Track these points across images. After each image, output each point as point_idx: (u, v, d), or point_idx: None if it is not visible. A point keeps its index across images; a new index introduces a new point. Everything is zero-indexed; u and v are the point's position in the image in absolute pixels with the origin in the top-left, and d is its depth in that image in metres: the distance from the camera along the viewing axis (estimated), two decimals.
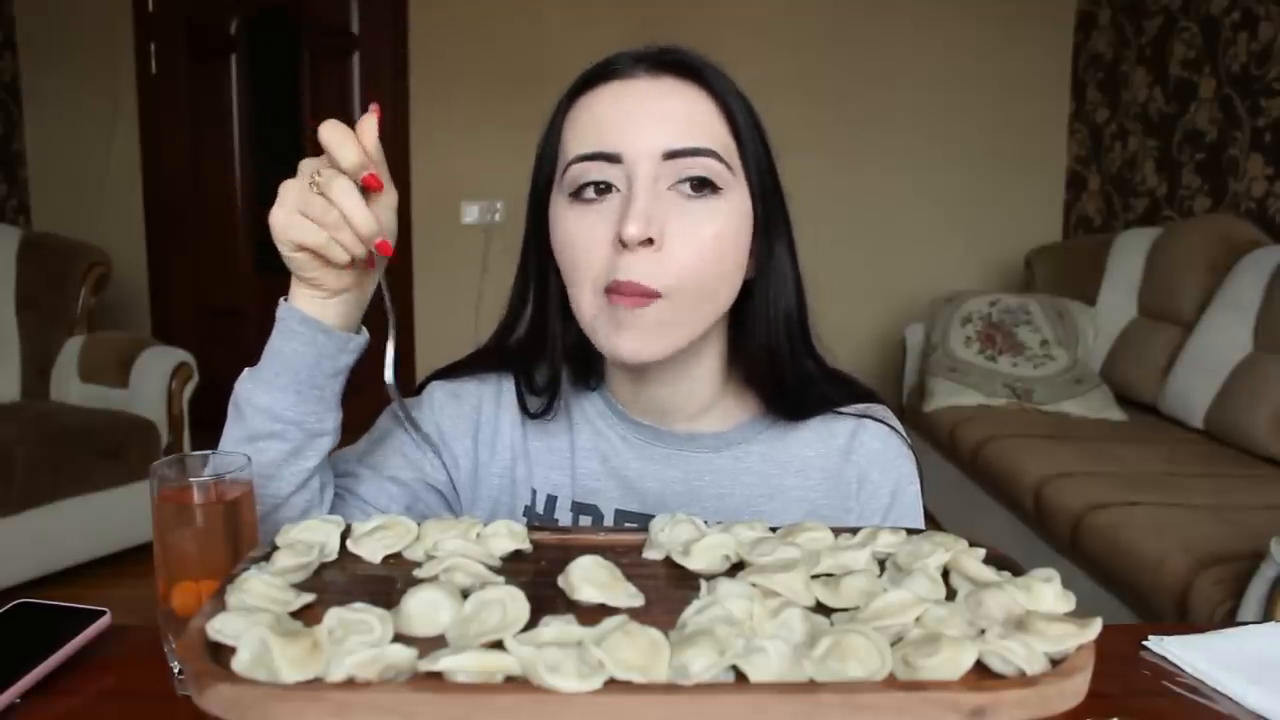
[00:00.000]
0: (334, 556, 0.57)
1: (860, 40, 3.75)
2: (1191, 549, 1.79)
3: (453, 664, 0.41)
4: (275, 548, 0.56)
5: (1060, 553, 2.20)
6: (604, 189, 0.70)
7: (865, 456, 0.81)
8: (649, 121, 0.70)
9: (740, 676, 0.42)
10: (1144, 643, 0.71)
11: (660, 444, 0.81)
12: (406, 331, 3.70)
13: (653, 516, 0.64)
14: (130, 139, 3.88)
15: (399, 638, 0.45)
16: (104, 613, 0.69)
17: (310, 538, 0.57)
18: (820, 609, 0.50)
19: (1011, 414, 2.85)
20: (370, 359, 0.74)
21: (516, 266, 0.80)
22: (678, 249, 0.69)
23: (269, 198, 0.65)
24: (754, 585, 0.50)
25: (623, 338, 0.70)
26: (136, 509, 2.66)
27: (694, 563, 0.55)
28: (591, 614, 0.47)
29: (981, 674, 0.42)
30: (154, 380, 2.80)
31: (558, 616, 0.45)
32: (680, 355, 0.74)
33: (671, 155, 0.69)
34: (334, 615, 0.45)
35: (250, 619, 0.44)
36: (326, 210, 0.63)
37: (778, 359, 0.77)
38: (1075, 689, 0.42)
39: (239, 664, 0.41)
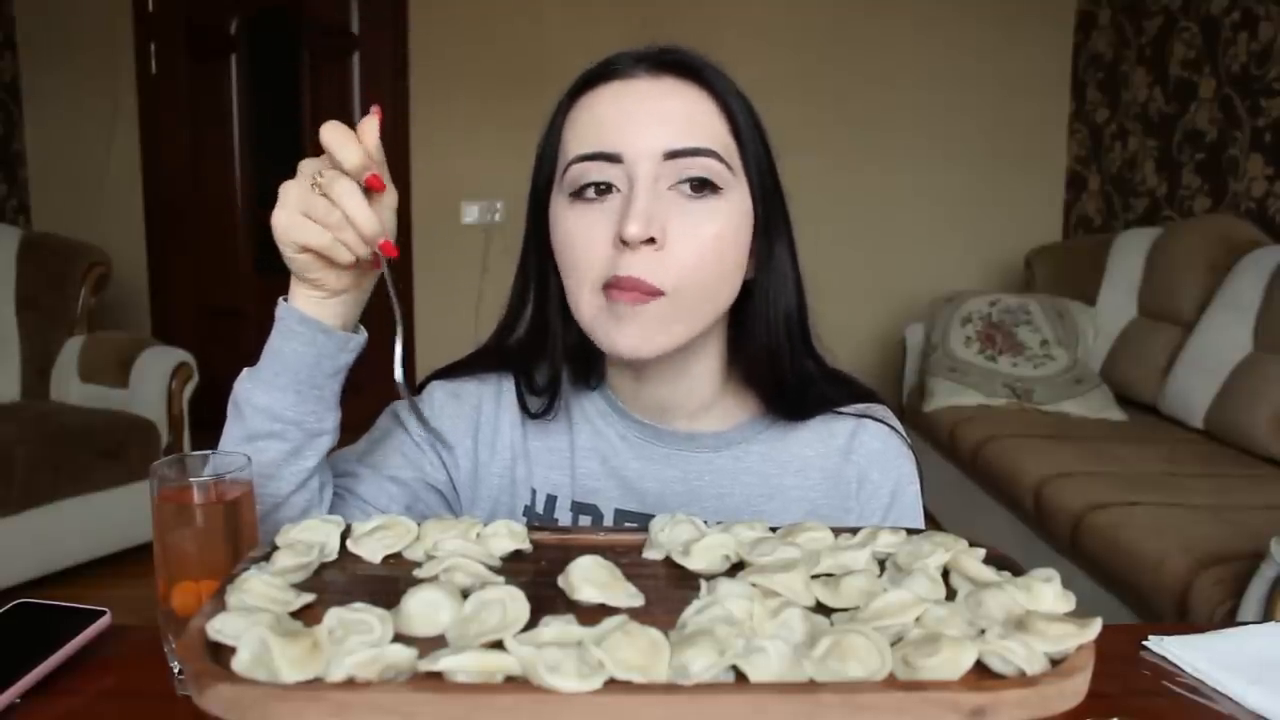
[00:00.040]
0: (334, 556, 0.57)
1: (860, 40, 3.75)
2: (1191, 549, 1.79)
3: (453, 664, 0.41)
4: (275, 548, 0.56)
5: (1060, 553, 2.20)
6: (604, 189, 0.70)
7: (865, 456, 0.81)
8: (649, 122, 0.70)
9: (740, 676, 0.42)
10: (1144, 643, 0.71)
11: (660, 444, 0.81)
12: (407, 331, 3.69)
13: (652, 516, 0.64)
14: (130, 139, 3.88)
15: (399, 638, 0.45)
16: (104, 613, 0.69)
17: (310, 538, 0.57)
18: (820, 609, 0.50)
19: (1011, 414, 2.85)
20: (369, 359, 0.74)
21: (516, 266, 0.80)
22: (678, 249, 0.69)
23: (269, 198, 0.65)
24: (754, 585, 0.50)
25: (622, 333, 0.70)
26: (136, 509, 2.66)
27: (694, 563, 0.55)
28: (591, 614, 0.47)
29: (981, 674, 0.42)
30: (154, 380, 2.80)
31: (558, 616, 0.45)
32: (680, 353, 0.74)
33: (672, 155, 0.69)
34: (334, 615, 0.45)
35: (250, 619, 0.44)
36: (329, 211, 0.63)
37: (778, 359, 0.77)
38: (1075, 689, 0.42)
39: (239, 664, 0.41)
